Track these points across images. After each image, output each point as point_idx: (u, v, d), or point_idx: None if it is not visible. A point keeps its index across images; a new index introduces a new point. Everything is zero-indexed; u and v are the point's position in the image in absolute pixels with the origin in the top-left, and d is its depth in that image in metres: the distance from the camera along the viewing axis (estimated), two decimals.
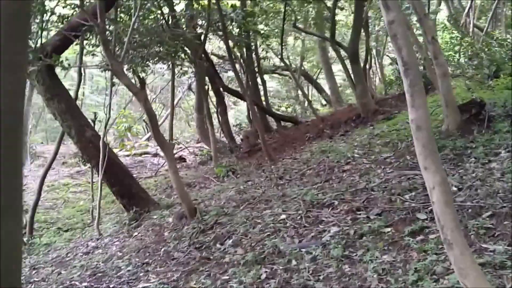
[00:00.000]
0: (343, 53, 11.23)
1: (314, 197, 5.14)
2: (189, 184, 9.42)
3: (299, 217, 4.74)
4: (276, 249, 4.07)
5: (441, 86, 6.25)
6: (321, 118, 11.72)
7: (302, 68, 19.56)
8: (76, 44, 8.61)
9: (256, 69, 15.10)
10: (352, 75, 9.99)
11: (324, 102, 20.14)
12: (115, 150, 17.99)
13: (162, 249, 5.24)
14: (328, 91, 19.55)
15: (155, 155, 16.82)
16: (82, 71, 9.36)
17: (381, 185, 5.01)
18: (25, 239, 7.44)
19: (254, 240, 4.50)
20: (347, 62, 10.62)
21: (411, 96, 2.49)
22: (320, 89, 19.80)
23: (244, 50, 14.68)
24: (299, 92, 19.17)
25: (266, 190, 6.58)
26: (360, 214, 4.38)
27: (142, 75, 16.03)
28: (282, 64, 16.96)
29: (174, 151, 16.23)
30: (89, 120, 7.87)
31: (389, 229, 3.84)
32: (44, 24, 6.67)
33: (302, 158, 8.15)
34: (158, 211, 7.21)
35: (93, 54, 9.20)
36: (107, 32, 7.73)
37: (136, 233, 6.69)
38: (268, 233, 4.56)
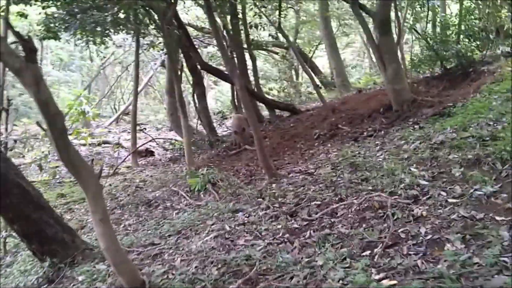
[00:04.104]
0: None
1: None
2: (149, 203, 6.54)
3: None
4: None
5: None
6: (332, 108, 8.84)
7: (296, 44, 16.59)
8: None
9: (244, 44, 12.13)
10: (380, 52, 7.12)
11: (319, 84, 17.24)
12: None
13: None
14: (324, 72, 16.75)
15: (117, 145, 13.76)
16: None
17: None
18: None
19: None
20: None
21: None
22: (315, 70, 16.88)
23: (228, 18, 11.66)
24: (293, 72, 16.28)
25: (271, 243, 3.77)
26: None
27: (102, 48, 12.88)
28: (275, 37, 14.04)
29: (140, 143, 13.17)
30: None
31: None
32: None
33: (320, 174, 5.36)
34: (87, 266, 4.31)
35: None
36: None
37: None
38: None
